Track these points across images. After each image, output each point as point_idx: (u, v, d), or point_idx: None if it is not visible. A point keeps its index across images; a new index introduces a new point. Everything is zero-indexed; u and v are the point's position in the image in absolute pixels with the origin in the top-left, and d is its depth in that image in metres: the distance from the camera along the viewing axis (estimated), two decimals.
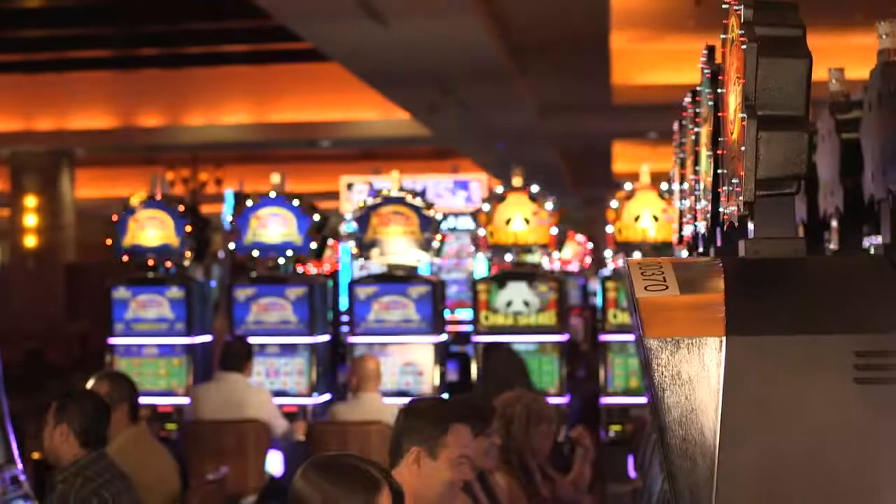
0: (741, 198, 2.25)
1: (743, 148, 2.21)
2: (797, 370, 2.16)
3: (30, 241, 18.87)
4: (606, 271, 8.77)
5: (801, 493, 2.15)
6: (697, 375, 2.15)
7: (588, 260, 15.80)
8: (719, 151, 2.63)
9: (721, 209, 2.59)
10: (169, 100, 17.64)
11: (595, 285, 13.00)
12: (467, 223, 12.12)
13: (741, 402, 2.15)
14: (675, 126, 4.49)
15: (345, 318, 8.70)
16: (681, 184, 4.16)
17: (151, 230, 7.70)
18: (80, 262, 19.27)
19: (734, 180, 2.33)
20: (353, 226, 7.72)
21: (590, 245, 16.62)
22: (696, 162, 3.32)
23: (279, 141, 18.43)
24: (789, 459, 2.16)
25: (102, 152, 21.19)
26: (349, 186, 14.75)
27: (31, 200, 18.87)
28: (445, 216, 9.25)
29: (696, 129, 3.36)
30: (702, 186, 3.11)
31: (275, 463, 6.90)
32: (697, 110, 3.32)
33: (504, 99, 14.16)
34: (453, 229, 12.64)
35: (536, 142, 17.67)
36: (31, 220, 18.85)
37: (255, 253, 7.69)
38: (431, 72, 12.37)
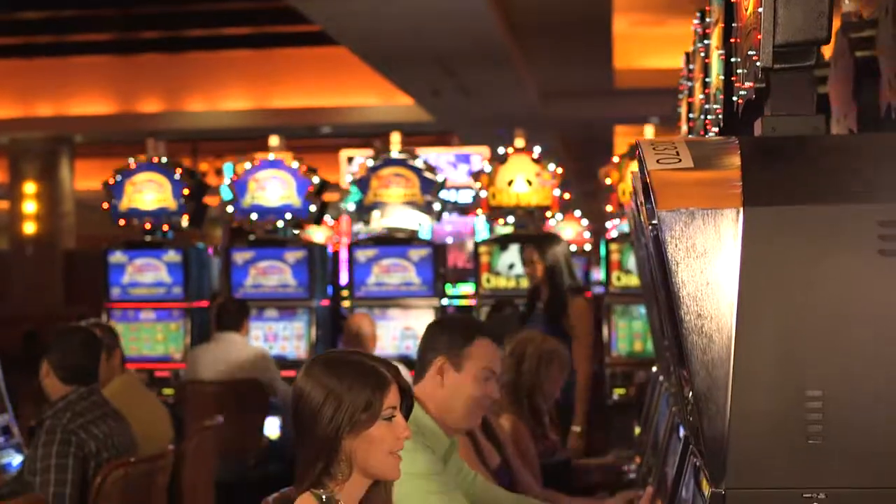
0: (759, 64, 2.14)
1: (760, 9, 2.10)
2: (818, 242, 2.06)
3: (29, 228, 18.77)
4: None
5: (823, 368, 2.05)
6: (713, 248, 2.05)
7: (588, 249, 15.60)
8: (733, 40, 2.53)
9: (734, 97, 2.49)
10: (169, 85, 17.53)
11: (598, 274, 12.86)
12: (469, 197, 11.98)
13: (759, 275, 2.05)
14: (682, 61, 4.39)
15: (345, 294, 8.58)
16: (688, 113, 4.06)
17: (149, 193, 7.58)
18: (78, 249, 19.17)
19: (750, 52, 2.22)
20: (354, 189, 7.61)
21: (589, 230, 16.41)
22: (707, 74, 3.21)
23: (280, 127, 18.30)
24: (810, 334, 2.05)
25: (102, 143, 21.09)
26: (349, 160, 14.61)
27: (30, 187, 18.77)
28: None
29: (706, 42, 3.26)
30: (713, 92, 3.00)
31: (273, 427, 6.79)
32: (707, 20, 3.22)
33: (506, 82, 14.05)
34: (454, 203, 12.49)
35: (538, 129, 17.55)
36: (30, 206, 18.75)
37: (254, 216, 7.58)
38: (434, 52, 12.27)
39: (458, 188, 12.10)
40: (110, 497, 3.73)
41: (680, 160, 2.17)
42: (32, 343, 14.32)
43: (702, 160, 2.19)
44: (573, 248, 14.07)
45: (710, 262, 2.05)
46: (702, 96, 3.43)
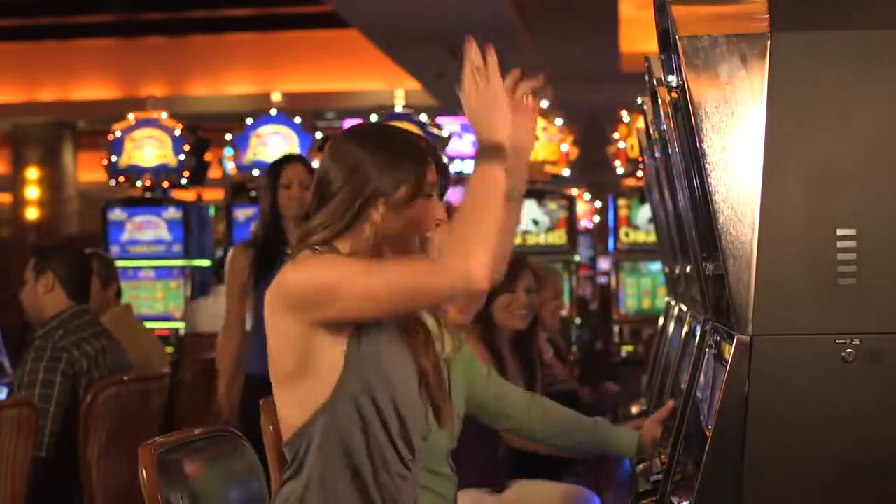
0: None
1: None
2: (852, 69, 1.92)
3: (31, 214, 18.66)
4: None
5: (856, 205, 1.91)
6: (738, 76, 1.91)
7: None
8: None
9: None
10: (172, 69, 17.43)
11: (605, 264, 12.71)
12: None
13: (788, 105, 1.91)
14: None
15: None
16: None
17: (149, 149, 7.44)
18: (81, 235, 19.06)
19: None
20: None
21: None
22: None
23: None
24: (842, 168, 1.92)
25: (104, 133, 20.95)
26: None
27: (32, 172, 18.67)
28: (452, 159, 8.95)
29: None
30: None
31: None
32: None
33: (511, 65, 13.88)
34: (459, 173, 12.32)
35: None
36: (32, 192, 18.65)
37: (256, 172, 7.43)
38: (440, 32, 12.11)
39: (463, 158, 11.92)
40: (102, 417, 3.59)
41: None
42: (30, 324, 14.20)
43: None
44: (584, 223, 13.97)
45: (735, 92, 1.91)
46: None
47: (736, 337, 1.93)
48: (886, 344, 1.89)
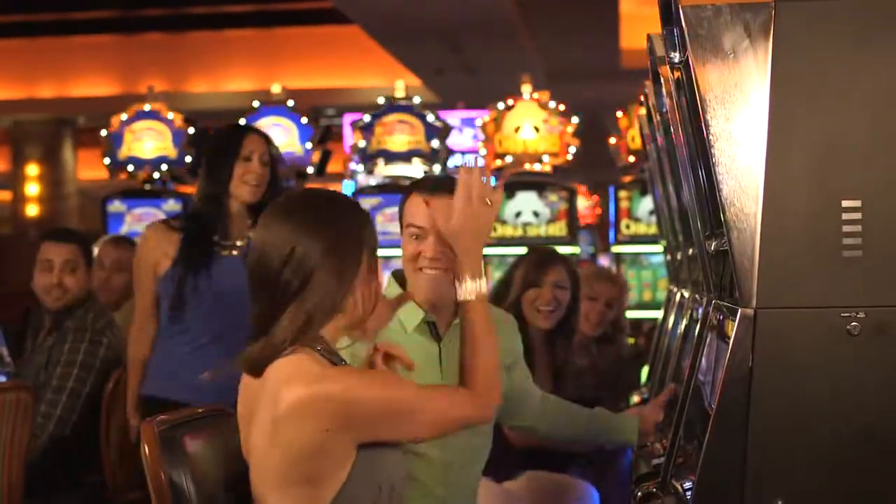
0: None
1: None
2: (857, 38, 1.90)
3: (31, 211, 18.65)
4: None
5: (861, 177, 1.89)
6: (742, 46, 1.89)
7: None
8: None
9: None
10: (171, 66, 17.42)
11: (604, 260, 12.69)
12: (475, 161, 11.81)
13: (792, 76, 1.89)
14: None
15: None
16: None
17: (148, 142, 7.42)
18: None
19: None
20: (357, 136, 7.46)
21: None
22: None
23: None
24: (847, 140, 1.89)
25: (104, 128, 20.93)
26: (352, 125, 14.43)
27: (32, 169, 18.66)
28: (452, 152, 8.91)
29: None
30: None
31: None
32: None
33: (512, 61, 13.89)
34: (458, 167, 12.33)
35: None
36: (32, 189, 18.64)
37: None
38: (440, 26, 12.13)
39: (463, 152, 11.93)
40: (116, 406, 3.58)
41: None
42: (29, 317, 14.21)
43: None
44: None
45: (739, 62, 1.89)
46: None
47: (740, 310, 1.91)
48: (892, 316, 1.87)
